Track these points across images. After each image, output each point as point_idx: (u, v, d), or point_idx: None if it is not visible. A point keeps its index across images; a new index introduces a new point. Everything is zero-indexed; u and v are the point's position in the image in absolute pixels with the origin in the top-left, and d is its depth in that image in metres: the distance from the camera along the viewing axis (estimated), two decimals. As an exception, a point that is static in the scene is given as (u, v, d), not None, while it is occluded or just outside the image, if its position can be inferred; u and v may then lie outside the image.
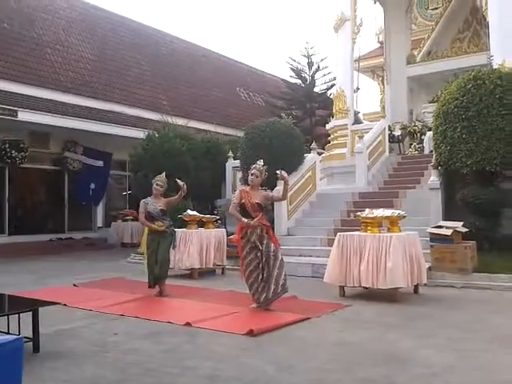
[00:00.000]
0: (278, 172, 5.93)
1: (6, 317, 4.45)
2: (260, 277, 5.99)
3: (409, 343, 4.64)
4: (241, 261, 6.20)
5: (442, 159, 9.37)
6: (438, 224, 8.36)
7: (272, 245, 6.02)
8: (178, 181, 7.07)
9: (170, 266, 7.62)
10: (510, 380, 3.69)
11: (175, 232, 7.46)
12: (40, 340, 4.40)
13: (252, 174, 6.22)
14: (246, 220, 5.99)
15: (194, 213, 9.81)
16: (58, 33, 16.85)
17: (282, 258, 6.06)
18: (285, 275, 6.03)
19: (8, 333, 4.27)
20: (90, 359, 4.22)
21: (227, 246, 9.65)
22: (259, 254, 5.98)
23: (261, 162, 6.27)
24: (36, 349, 4.35)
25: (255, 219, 5.99)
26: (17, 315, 4.44)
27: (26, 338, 4.09)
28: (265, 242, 6.00)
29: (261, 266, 5.98)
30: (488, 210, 8.84)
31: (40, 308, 4.53)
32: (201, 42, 37.50)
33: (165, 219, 7.22)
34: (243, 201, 6.09)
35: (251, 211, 6.04)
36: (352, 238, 6.83)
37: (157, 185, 7.26)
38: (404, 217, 7.03)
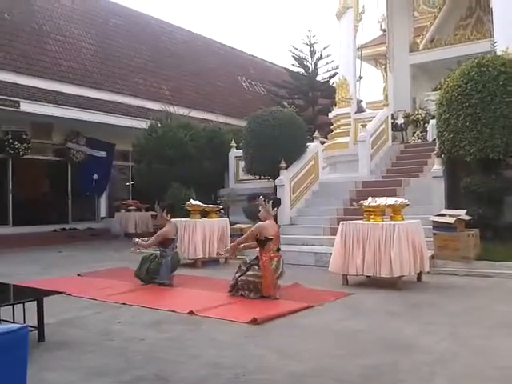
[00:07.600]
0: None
1: (11, 306, 4.48)
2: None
3: (412, 330, 4.65)
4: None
5: (446, 147, 9.32)
6: (441, 212, 8.35)
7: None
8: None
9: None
10: (513, 366, 3.71)
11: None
12: (45, 329, 4.43)
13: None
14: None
15: (197, 202, 9.82)
16: (59, 23, 16.75)
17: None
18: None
19: (13, 322, 4.30)
20: (95, 348, 4.26)
21: (230, 235, 9.66)
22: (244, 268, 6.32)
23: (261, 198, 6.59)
24: (41, 338, 4.39)
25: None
26: (22, 304, 4.47)
27: (30, 327, 4.11)
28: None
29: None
30: (491, 197, 8.81)
31: (44, 297, 4.56)
32: (202, 31, 37.30)
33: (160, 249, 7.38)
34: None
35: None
36: (355, 226, 6.83)
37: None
38: (407, 205, 7.03)
